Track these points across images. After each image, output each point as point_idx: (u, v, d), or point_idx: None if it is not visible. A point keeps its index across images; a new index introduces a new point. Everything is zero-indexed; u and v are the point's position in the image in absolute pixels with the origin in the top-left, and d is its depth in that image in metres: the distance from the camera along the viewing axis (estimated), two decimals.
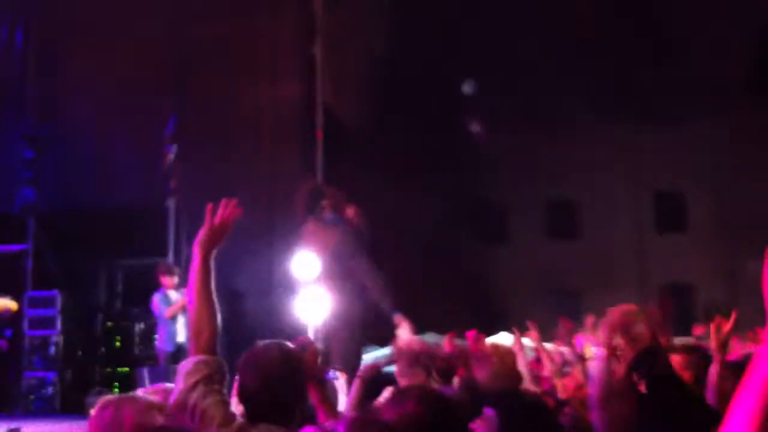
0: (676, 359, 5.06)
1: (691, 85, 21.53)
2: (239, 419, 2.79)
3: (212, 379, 2.78)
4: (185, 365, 2.81)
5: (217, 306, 2.94)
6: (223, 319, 8.72)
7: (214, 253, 3.08)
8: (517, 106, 21.30)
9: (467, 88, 20.46)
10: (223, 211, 3.16)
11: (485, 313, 20.96)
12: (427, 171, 19.46)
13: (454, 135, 21.78)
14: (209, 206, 3.14)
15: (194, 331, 2.92)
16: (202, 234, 3.09)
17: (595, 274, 23.26)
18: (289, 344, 3.07)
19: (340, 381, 4.99)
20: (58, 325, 11.37)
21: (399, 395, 2.88)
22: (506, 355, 4.14)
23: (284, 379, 2.88)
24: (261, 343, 3.04)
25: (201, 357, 2.83)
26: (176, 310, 9.65)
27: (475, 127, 20.14)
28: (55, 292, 11.53)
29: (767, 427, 1.46)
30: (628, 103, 21.97)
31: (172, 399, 2.76)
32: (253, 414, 2.83)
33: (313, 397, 3.30)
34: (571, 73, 20.42)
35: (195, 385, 2.73)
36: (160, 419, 2.60)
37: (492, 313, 20.96)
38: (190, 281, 3.00)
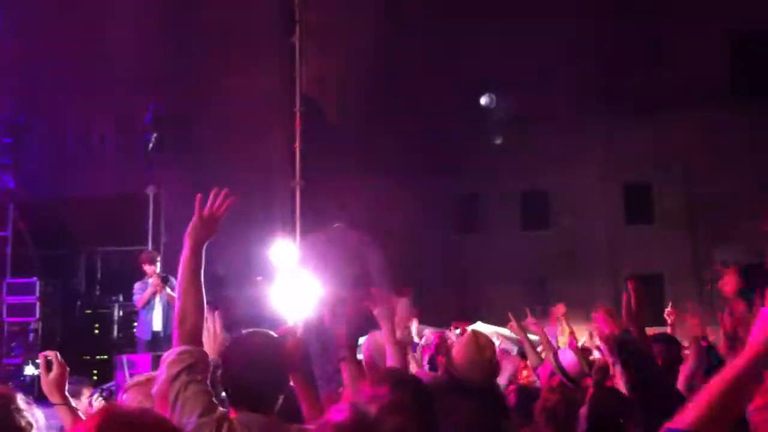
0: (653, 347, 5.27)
1: (663, 83, 21.85)
2: (221, 409, 2.83)
3: (195, 369, 2.81)
4: (169, 355, 2.83)
5: (204, 297, 2.95)
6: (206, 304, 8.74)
7: (205, 244, 3.08)
8: (493, 100, 21.46)
9: (486, 100, 20.67)
10: (213, 202, 3.12)
11: (460, 302, 21.21)
12: (405, 162, 19.59)
13: (434, 126, 21.93)
14: (198, 197, 3.11)
15: (179, 320, 2.92)
16: (191, 225, 3.09)
17: (565, 264, 23.57)
18: (273, 333, 3.09)
19: None
20: (37, 312, 11.37)
21: (376, 379, 2.91)
22: (485, 345, 4.16)
23: (267, 366, 2.91)
24: (245, 331, 3.05)
25: (184, 347, 2.85)
26: (145, 298, 9.68)
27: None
28: (34, 279, 11.50)
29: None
30: (601, 100, 22.26)
31: (154, 388, 2.78)
32: (235, 400, 2.88)
33: (296, 389, 3.28)
34: (548, 69, 20.62)
35: (178, 374, 2.76)
36: None
37: (466, 301, 21.20)
38: (179, 271, 3.02)
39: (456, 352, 4.05)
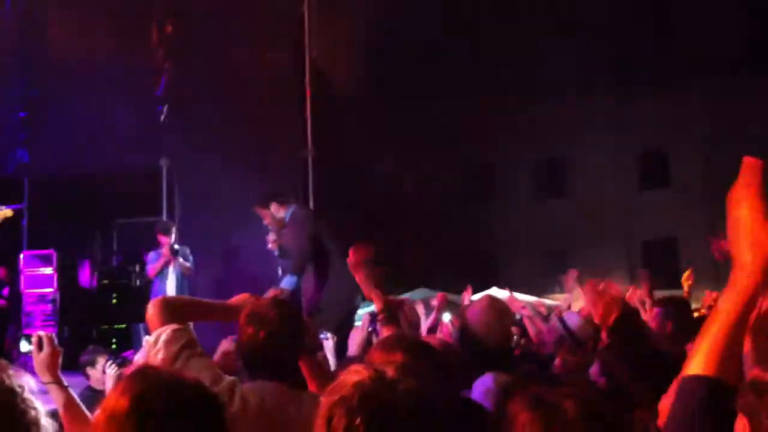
0: (657, 310, 5.32)
1: (680, 47, 21.68)
2: (228, 378, 2.89)
3: (193, 344, 2.87)
4: (163, 333, 2.87)
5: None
6: (220, 278, 8.96)
7: None
8: (509, 70, 21.37)
9: None
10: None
11: (475, 269, 21.28)
12: (419, 133, 19.59)
13: (446, 97, 21.86)
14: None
15: (164, 303, 3.06)
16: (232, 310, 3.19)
17: (582, 231, 23.56)
18: (288, 303, 3.17)
19: (329, 343, 5.11)
20: (55, 283, 11.51)
21: (387, 344, 2.95)
22: (503, 309, 4.14)
23: (283, 335, 2.93)
24: (262, 300, 3.11)
25: (176, 325, 2.90)
26: (156, 268, 9.71)
27: None
28: (52, 250, 11.64)
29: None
30: (616, 66, 22.12)
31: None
32: (250, 369, 2.92)
33: (303, 369, 3.26)
34: (565, 39, 20.49)
35: (179, 352, 2.81)
36: None
37: (482, 269, 21.24)
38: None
39: (472, 315, 4.02)
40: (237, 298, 3.19)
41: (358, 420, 1.51)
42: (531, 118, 23.54)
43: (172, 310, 2.99)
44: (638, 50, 22.17)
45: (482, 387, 3.48)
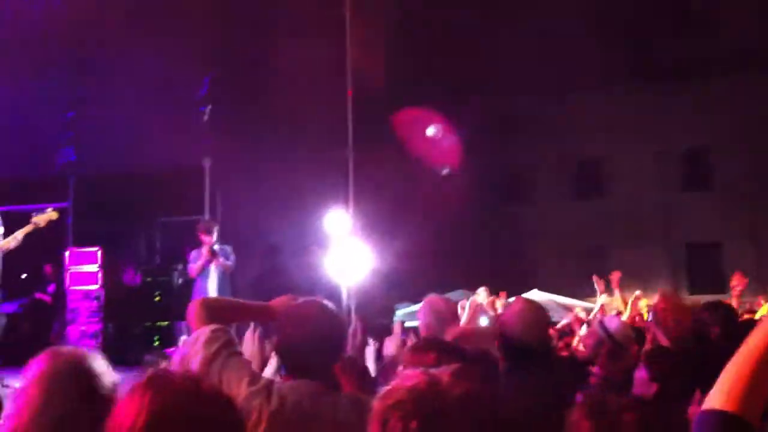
0: (703, 316, 5.26)
1: (722, 46, 21.33)
2: (264, 377, 2.94)
3: (231, 344, 2.89)
4: (201, 334, 2.90)
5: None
6: (261, 273, 9.06)
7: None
8: (543, 69, 21.24)
9: None
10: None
11: (514, 272, 21.18)
12: (457, 132, 19.54)
13: (483, 97, 21.80)
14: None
15: (204, 304, 3.09)
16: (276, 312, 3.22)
17: (621, 232, 23.33)
18: (327, 302, 3.10)
19: (370, 349, 5.11)
20: (99, 280, 11.70)
21: (420, 347, 2.97)
22: (539, 310, 4.14)
23: (325, 335, 2.94)
24: (300, 299, 3.09)
25: (214, 326, 2.92)
26: (198, 268, 9.76)
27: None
28: (96, 248, 11.84)
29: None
30: (656, 67, 21.85)
31: (192, 367, 2.81)
32: (292, 368, 2.93)
33: (338, 370, 3.29)
34: (600, 38, 20.28)
35: (217, 352, 2.82)
36: None
37: (520, 272, 21.15)
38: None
39: (508, 318, 4.02)
40: (277, 301, 3.21)
41: (414, 424, 1.52)
42: (568, 117, 23.36)
43: (211, 311, 3.02)
44: (682, 45, 21.86)
45: None
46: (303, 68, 12.11)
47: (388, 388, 1.62)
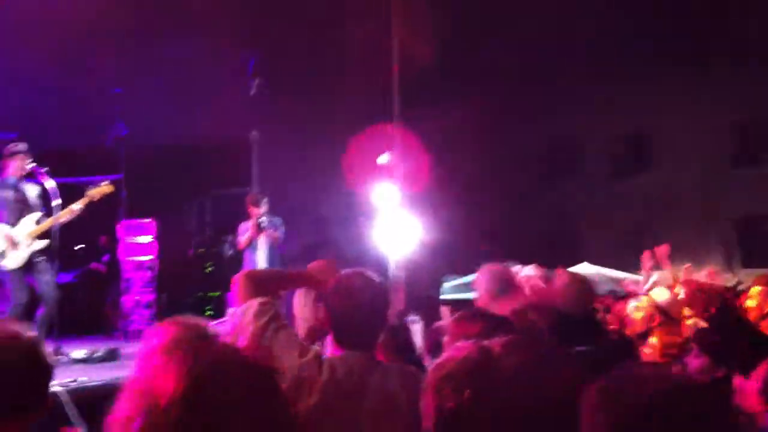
0: (757, 290, 5.20)
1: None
2: (315, 348, 2.95)
3: (279, 317, 2.91)
4: (252, 307, 2.92)
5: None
6: (310, 244, 9.13)
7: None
8: (587, 42, 20.86)
9: None
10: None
11: (561, 245, 21.04)
12: (504, 106, 19.39)
13: (529, 73, 21.53)
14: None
15: (249, 276, 3.10)
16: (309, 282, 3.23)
17: (668, 208, 22.97)
18: (372, 273, 3.11)
19: (417, 326, 5.13)
20: (153, 251, 11.92)
21: (466, 317, 2.96)
22: (583, 283, 4.11)
23: (372, 306, 2.95)
24: (346, 270, 3.09)
25: (262, 299, 2.95)
26: (245, 242, 9.80)
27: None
28: (150, 219, 12.07)
29: None
30: (705, 41, 21.32)
31: (242, 340, 2.83)
32: (338, 340, 2.95)
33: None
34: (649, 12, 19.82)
35: (266, 325, 2.85)
36: None
37: (566, 247, 21.00)
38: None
39: (553, 291, 4.01)
40: (314, 265, 3.22)
41: (467, 395, 1.54)
42: (614, 90, 22.98)
43: (257, 284, 3.06)
44: (730, 23, 21.29)
45: None
46: (349, 43, 12.11)
47: (440, 360, 1.64)
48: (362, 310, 2.93)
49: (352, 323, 2.93)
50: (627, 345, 4.97)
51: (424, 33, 11.28)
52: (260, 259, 9.77)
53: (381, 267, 8.09)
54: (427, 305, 8.16)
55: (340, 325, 2.96)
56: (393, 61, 11.61)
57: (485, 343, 1.62)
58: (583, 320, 3.88)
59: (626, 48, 20.65)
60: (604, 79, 22.54)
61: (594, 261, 17.21)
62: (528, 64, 20.96)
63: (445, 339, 2.90)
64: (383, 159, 10.45)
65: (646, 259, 7.52)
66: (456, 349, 1.64)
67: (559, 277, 4.18)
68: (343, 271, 3.10)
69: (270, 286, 3.14)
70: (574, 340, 3.63)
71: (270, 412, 1.57)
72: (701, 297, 4.37)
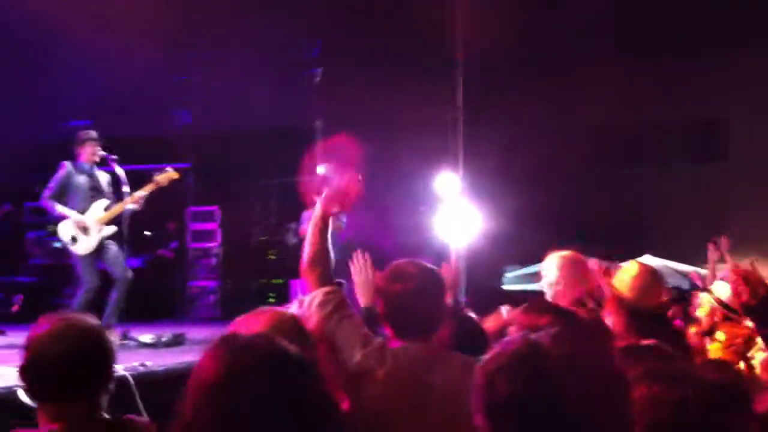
0: None
1: None
2: (379, 338, 2.96)
3: (343, 305, 2.97)
4: (315, 296, 2.99)
5: (331, 246, 3.18)
6: (373, 236, 9.15)
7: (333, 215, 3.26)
8: (664, 27, 20.39)
9: None
10: (353, 182, 3.28)
11: (626, 235, 20.70)
12: (570, 92, 19.10)
13: (589, 58, 21.15)
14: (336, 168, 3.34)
15: (311, 265, 3.12)
16: (329, 194, 3.25)
17: (742, 197, 22.34)
18: (428, 264, 3.13)
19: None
20: (218, 238, 12.11)
21: (534, 308, 2.92)
22: (655, 276, 4.03)
23: (428, 295, 2.96)
24: (401, 261, 3.10)
25: (327, 288, 3.01)
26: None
27: None
28: (215, 207, 12.26)
29: None
30: None
31: (309, 327, 2.83)
32: (396, 328, 2.96)
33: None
34: None
35: (330, 314, 2.91)
36: None
37: (633, 235, 20.64)
38: (311, 229, 3.24)
39: (623, 283, 3.94)
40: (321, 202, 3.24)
41: (518, 388, 1.54)
42: (687, 75, 22.40)
43: (322, 271, 3.09)
44: None
45: None
46: (413, 29, 12.06)
47: (490, 353, 1.65)
48: (416, 297, 2.93)
49: (406, 311, 2.94)
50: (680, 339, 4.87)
51: (489, 15, 11.17)
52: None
53: (442, 257, 8.08)
54: (488, 296, 8.13)
55: (394, 314, 2.97)
56: (457, 46, 11.54)
57: (534, 335, 1.63)
58: (654, 314, 3.81)
59: (700, 25, 20.07)
60: (676, 59, 22.01)
61: (663, 250, 16.89)
62: (593, 45, 20.62)
63: (511, 329, 2.88)
64: (321, 170, 10.49)
65: (711, 251, 7.35)
66: (505, 342, 1.64)
67: (629, 268, 4.09)
68: (399, 261, 3.10)
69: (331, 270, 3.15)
70: (645, 334, 3.61)
71: (303, 402, 1.61)
72: (747, 284, 4.26)
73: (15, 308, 10.88)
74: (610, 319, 3.80)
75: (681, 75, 22.36)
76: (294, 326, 2.58)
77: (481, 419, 1.60)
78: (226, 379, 1.59)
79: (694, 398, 1.48)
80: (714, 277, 6.15)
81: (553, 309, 2.91)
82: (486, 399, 1.58)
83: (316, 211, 3.23)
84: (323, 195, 3.25)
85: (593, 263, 4.37)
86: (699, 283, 7.49)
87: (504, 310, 4.83)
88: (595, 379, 1.56)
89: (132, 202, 7.53)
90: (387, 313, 2.99)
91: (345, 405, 2.82)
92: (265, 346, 1.68)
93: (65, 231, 7.46)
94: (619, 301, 3.83)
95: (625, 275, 3.96)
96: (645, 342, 3.52)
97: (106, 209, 7.60)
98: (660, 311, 3.90)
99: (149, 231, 12.58)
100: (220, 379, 1.59)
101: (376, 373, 2.81)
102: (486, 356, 1.65)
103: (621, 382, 1.60)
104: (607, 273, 4.11)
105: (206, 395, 1.59)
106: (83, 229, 7.47)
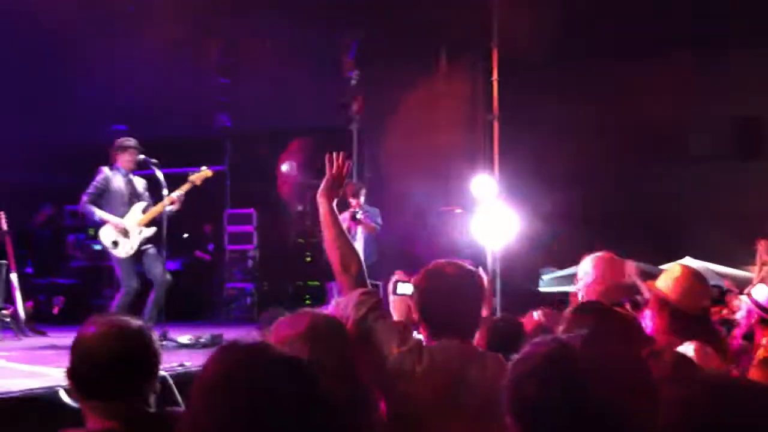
0: None
1: None
2: (415, 337, 2.97)
3: (378, 306, 2.96)
4: (353, 297, 2.99)
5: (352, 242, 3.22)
6: (408, 238, 9.16)
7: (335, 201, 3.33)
8: (699, 22, 20.10)
9: None
10: (337, 163, 3.36)
11: (664, 236, 20.46)
12: (606, 92, 18.92)
13: (625, 58, 20.93)
14: (328, 156, 3.38)
15: (342, 268, 3.15)
16: (324, 186, 3.34)
17: None
18: (465, 264, 3.12)
19: None
20: (255, 240, 12.19)
21: (580, 311, 2.94)
22: (700, 277, 3.98)
23: (464, 292, 2.98)
24: (440, 261, 3.10)
25: (362, 288, 3.03)
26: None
27: None
28: (252, 209, 12.34)
29: None
30: None
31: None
32: (432, 329, 2.97)
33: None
34: None
35: (366, 314, 2.91)
36: None
37: (671, 236, 20.39)
38: (324, 229, 3.29)
39: (666, 285, 3.87)
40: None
41: (549, 390, 1.55)
42: (724, 73, 22.04)
43: (355, 273, 3.12)
44: None
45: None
46: (449, 32, 12.05)
47: (520, 355, 1.65)
48: (453, 297, 2.94)
49: (445, 310, 2.95)
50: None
51: (525, 15, 11.10)
52: (358, 250, 9.78)
53: (478, 259, 8.06)
54: (524, 299, 8.09)
55: (432, 314, 2.98)
56: (493, 49, 11.49)
57: (565, 337, 1.63)
58: (697, 316, 3.77)
59: (742, 27, 19.75)
60: (715, 55, 21.69)
61: (702, 252, 16.67)
62: (631, 43, 20.41)
63: (561, 328, 2.88)
64: (285, 167, 10.50)
65: (761, 250, 7.23)
66: (536, 344, 1.64)
67: (673, 270, 4.03)
68: (437, 262, 3.09)
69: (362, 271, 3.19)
70: (687, 335, 3.56)
71: (300, 406, 1.66)
72: None
73: (56, 310, 11.05)
74: (649, 321, 3.77)
75: (720, 72, 22.04)
76: (333, 328, 2.61)
77: (510, 419, 1.61)
78: (221, 382, 1.67)
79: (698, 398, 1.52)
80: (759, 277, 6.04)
81: (600, 310, 2.89)
82: (514, 400, 1.60)
83: (322, 209, 3.31)
84: (321, 191, 3.33)
85: (630, 265, 4.31)
86: (732, 287, 7.38)
87: (536, 313, 4.80)
88: (622, 382, 1.56)
89: (170, 203, 7.60)
90: (423, 312, 3.00)
91: (382, 404, 2.84)
92: (263, 352, 1.75)
93: (106, 236, 7.56)
94: (662, 302, 3.78)
95: (669, 277, 3.90)
96: (686, 343, 3.50)
97: (144, 211, 7.69)
98: (702, 313, 3.84)
99: (187, 233, 12.71)
100: (217, 381, 1.67)
101: (412, 371, 2.82)
102: (515, 357, 1.66)
103: (649, 385, 1.60)
104: (646, 275, 4.05)
105: (204, 397, 1.68)
106: (123, 232, 7.57)
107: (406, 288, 3.56)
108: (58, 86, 10.97)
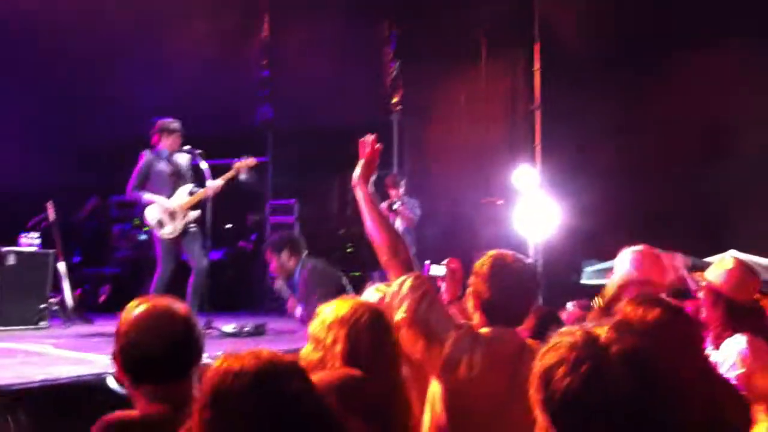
0: None
1: None
2: (465, 323, 3.02)
3: (432, 291, 3.03)
4: (406, 281, 3.01)
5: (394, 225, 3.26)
6: (446, 229, 9.14)
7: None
8: (747, 11, 19.63)
9: None
10: (371, 147, 3.38)
11: (710, 230, 20.12)
12: (650, 91, 18.59)
13: (670, 50, 20.56)
14: (360, 142, 3.39)
15: (392, 253, 3.14)
16: (359, 171, 3.34)
17: None
18: (516, 254, 3.17)
19: None
20: (296, 230, 12.25)
21: (645, 301, 2.90)
22: (751, 269, 3.94)
23: (525, 282, 3.05)
24: (489, 252, 3.14)
25: (414, 273, 3.06)
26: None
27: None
28: (293, 200, 12.40)
29: None
30: None
31: (399, 312, 2.96)
32: (491, 316, 3.01)
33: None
34: None
35: (421, 298, 2.95)
36: None
37: (718, 230, 20.08)
38: (366, 215, 3.29)
39: (715, 274, 3.85)
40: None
41: (574, 380, 1.54)
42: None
43: (403, 260, 3.13)
44: None
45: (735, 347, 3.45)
46: (489, 22, 11.97)
47: (547, 345, 1.65)
48: (518, 288, 3.01)
49: (506, 300, 2.99)
50: None
51: (569, 5, 11.01)
52: None
53: (520, 251, 8.02)
54: (565, 291, 8.03)
55: (494, 302, 3.00)
56: (535, 39, 11.43)
57: (592, 328, 1.62)
58: (750, 308, 3.74)
59: None
60: (764, 48, 21.22)
61: (749, 247, 16.36)
62: (673, 37, 20.06)
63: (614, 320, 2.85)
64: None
65: None
66: (562, 334, 1.64)
67: (724, 262, 3.99)
68: (486, 253, 3.13)
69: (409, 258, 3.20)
70: (740, 327, 3.58)
71: (292, 414, 1.70)
72: None
73: (102, 298, 11.24)
74: (701, 313, 3.74)
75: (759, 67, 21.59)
76: (374, 316, 2.64)
77: (539, 409, 1.61)
78: (219, 386, 1.73)
79: None
80: None
81: (662, 304, 2.88)
82: (542, 393, 1.59)
83: (360, 193, 3.33)
84: (356, 177, 3.35)
85: (678, 258, 4.27)
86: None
87: (570, 305, 4.76)
88: (654, 375, 1.56)
89: (214, 187, 7.65)
90: (485, 299, 3.02)
91: (441, 388, 2.89)
92: (259, 359, 1.77)
93: (152, 215, 7.61)
94: (716, 294, 3.74)
95: (721, 268, 3.86)
96: (737, 336, 3.48)
97: (190, 194, 7.75)
98: (755, 305, 3.80)
99: (230, 224, 12.81)
100: (215, 386, 1.73)
101: (470, 357, 2.86)
102: (543, 349, 1.65)
103: (680, 378, 1.59)
104: (694, 267, 4.00)
105: (203, 399, 1.74)
106: (170, 214, 7.64)
107: (439, 270, 3.58)
108: (105, 82, 11.12)
